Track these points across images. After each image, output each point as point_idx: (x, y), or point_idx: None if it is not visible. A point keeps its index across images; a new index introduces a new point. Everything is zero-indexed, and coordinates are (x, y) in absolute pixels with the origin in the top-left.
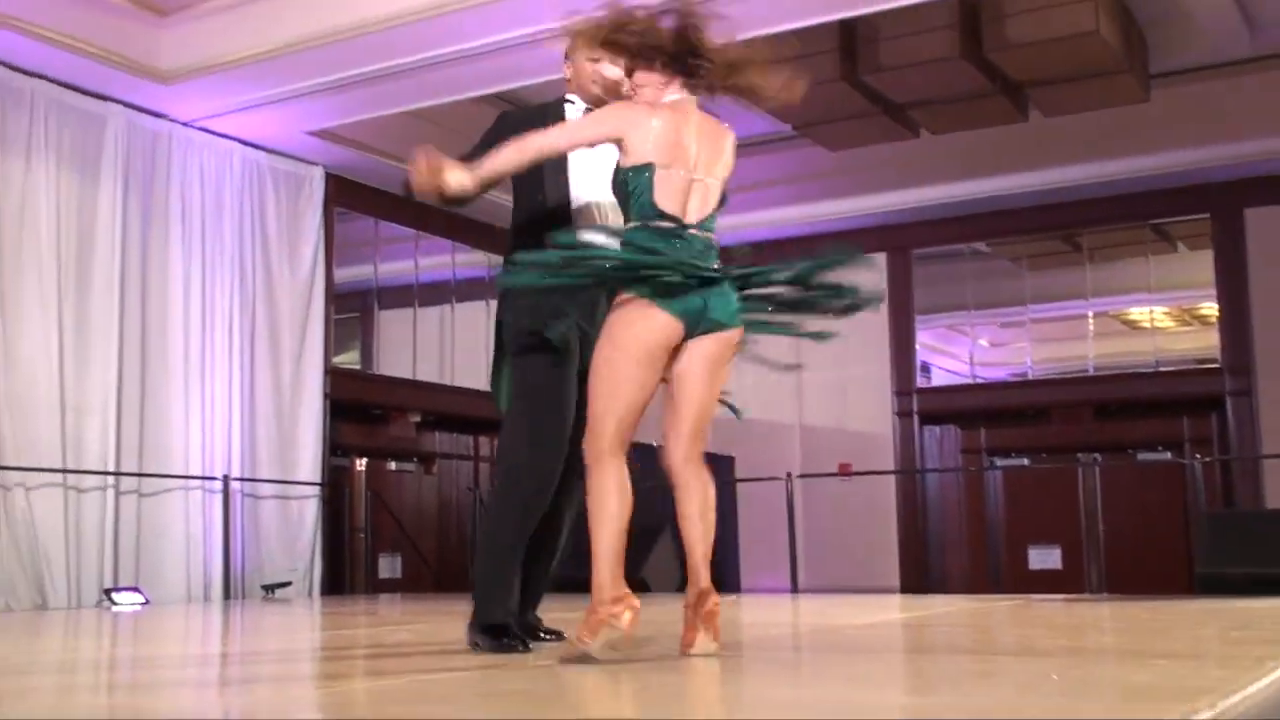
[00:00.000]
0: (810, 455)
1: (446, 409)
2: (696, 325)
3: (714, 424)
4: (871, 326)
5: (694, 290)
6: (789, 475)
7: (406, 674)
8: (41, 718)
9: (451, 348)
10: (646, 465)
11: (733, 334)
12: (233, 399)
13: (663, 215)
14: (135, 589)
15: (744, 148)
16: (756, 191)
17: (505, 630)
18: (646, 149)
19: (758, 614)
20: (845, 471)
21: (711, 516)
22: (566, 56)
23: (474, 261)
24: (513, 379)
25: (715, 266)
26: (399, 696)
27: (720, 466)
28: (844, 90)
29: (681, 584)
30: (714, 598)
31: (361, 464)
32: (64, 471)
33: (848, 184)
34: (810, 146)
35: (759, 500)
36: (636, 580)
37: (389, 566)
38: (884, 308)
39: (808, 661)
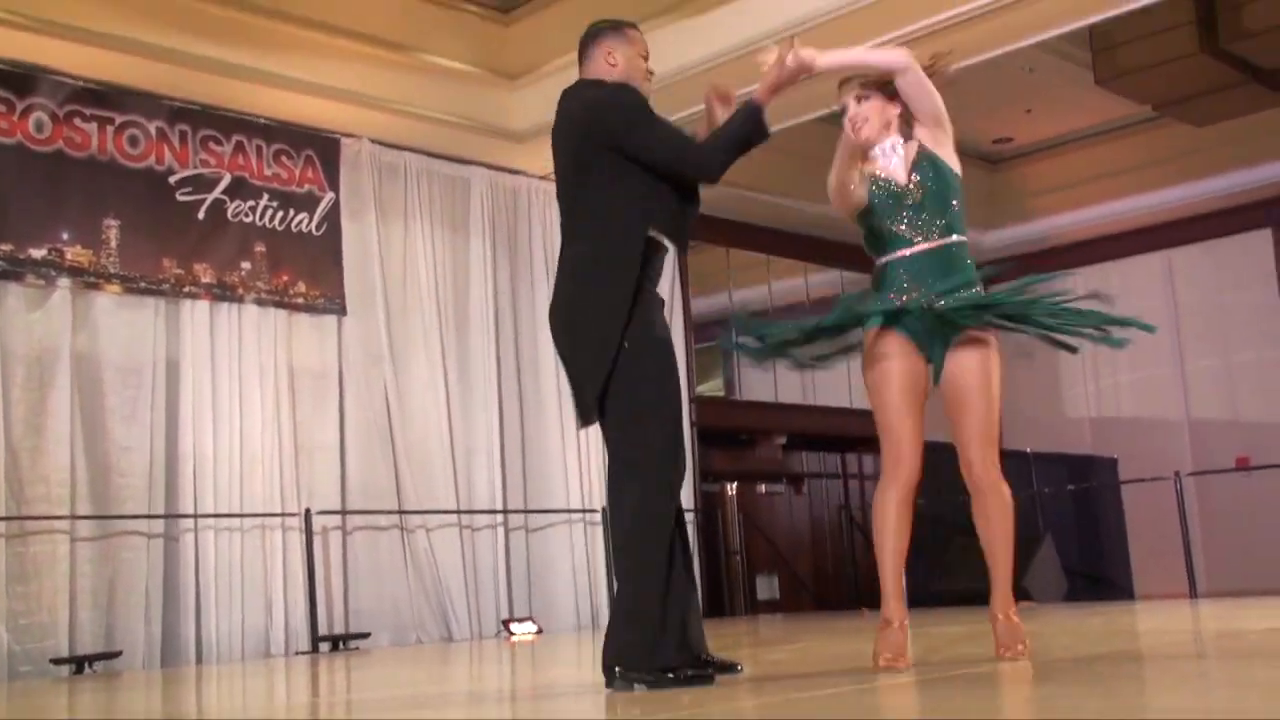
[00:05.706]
0: (1202, 451)
1: (811, 428)
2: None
3: (1093, 423)
4: (1259, 309)
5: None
6: (1177, 474)
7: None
8: None
9: None
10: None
11: None
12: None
13: None
14: (529, 619)
15: (1101, 135)
16: (1124, 176)
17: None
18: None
19: (1153, 620)
20: (1243, 466)
21: (1008, 526)
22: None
23: (828, 281)
24: None
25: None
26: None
27: (1102, 468)
28: (1205, 63)
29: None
30: (1007, 622)
31: (732, 488)
32: (459, 512)
33: (1222, 159)
34: (1175, 125)
35: (1147, 502)
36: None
37: (766, 587)
38: (1275, 286)
39: (1212, 669)
